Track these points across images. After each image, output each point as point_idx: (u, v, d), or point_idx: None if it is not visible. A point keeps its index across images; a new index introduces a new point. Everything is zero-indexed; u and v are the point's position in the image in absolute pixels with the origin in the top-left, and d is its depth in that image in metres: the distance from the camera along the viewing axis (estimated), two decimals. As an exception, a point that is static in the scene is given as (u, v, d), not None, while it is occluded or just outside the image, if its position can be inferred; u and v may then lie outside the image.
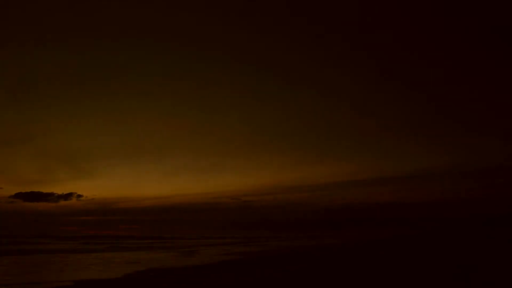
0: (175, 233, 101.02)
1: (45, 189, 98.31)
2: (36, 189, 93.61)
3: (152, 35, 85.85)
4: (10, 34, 79.71)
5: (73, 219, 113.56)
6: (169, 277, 15.48)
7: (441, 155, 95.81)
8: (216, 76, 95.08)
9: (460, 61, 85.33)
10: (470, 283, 12.80)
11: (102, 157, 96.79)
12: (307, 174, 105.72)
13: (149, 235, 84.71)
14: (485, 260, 19.59)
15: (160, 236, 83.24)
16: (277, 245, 47.18)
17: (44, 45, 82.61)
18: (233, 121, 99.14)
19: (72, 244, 49.95)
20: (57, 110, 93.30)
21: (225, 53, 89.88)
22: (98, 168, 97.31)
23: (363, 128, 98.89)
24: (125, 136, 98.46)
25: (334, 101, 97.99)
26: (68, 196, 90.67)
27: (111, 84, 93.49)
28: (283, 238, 76.58)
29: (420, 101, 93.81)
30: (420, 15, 76.59)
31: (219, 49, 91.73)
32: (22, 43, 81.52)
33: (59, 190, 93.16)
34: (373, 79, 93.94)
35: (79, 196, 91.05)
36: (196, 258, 26.73)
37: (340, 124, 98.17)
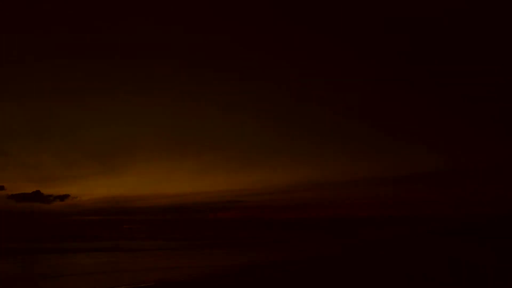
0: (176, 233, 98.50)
1: (61, 186, 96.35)
2: (54, 185, 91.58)
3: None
4: (39, 24, 78.05)
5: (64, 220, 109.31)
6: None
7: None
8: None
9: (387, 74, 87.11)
10: (471, 283, 12.81)
11: (128, 152, 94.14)
12: (316, 172, 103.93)
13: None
14: (485, 260, 19.58)
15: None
16: (277, 244, 46.90)
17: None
18: (259, 121, 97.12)
19: None
20: (87, 102, 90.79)
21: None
22: (121, 164, 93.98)
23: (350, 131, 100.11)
24: (157, 131, 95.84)
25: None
26: (64, 197, 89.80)
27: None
28: (284, 238, 76.04)
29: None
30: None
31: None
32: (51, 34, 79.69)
33: (74, 186, 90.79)
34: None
35: (74, 197, 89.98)
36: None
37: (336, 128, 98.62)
